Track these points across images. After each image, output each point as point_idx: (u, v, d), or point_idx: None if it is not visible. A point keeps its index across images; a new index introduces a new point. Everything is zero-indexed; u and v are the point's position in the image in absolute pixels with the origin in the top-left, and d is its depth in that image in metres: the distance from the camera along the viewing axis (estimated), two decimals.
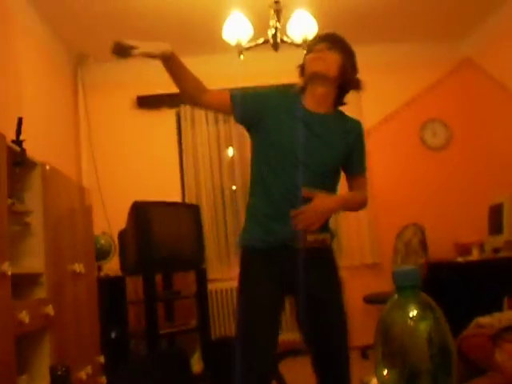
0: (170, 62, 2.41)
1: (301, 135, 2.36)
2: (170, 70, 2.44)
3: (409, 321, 0.67)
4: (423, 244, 5.17)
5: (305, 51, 3.96)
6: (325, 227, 2.37)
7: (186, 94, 2.50)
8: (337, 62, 2.42)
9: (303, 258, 2.27)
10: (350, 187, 2.58)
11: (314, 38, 2.59)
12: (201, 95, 2.47)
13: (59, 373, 0.77)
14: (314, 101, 2.45)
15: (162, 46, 2.39)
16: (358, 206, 2.59)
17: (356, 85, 2.53)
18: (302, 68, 2.50)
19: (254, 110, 2.44)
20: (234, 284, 5.71)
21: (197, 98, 2.49)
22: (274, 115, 2.41)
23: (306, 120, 2.40)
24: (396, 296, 0.71)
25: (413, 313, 0.68)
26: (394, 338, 0.68)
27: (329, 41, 2.43)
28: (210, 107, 2.66)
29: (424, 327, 0.67)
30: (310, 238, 2.28)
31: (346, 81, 2.48)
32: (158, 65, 6.09)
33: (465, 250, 5.30)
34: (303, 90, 2.50)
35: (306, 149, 2.35)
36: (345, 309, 2.46)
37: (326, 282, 2.39)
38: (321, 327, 2.34)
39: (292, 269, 2.29)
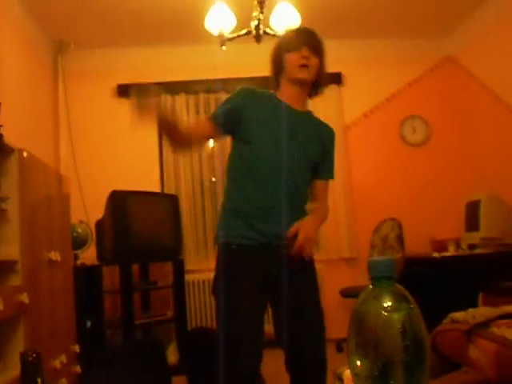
0: (176, 134, 2.36)
1: (283, 130, 2.36)
2: (172, 138, 2.41)
3: (383, 311, 0.67)
4: (400, 239, 5.21)
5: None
6: None
7: (180, 150, 2.56)
8: (317, 66, 2.45)
9: (287, 258, 2.26)
10: (313, 190, 2.54)
11: (294, 32, 2.53)
12: (190, 141, 2.45)
13: (30, 359, 0.76)
14: (290, 99, 2.47)
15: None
16: (324, 220, 2.59)
17: (326, 81, 2.56)
18: (278, 63, 2.48)
19: (234, 111, 2.41)
20: (212, 275, 5.71)
21: (189, 146, 2.51)
22: (255, 112, 2.40)
23: (286, 115, 2.41)
24: (371, 286, 0.72)
25: (387, 303, 0.68)
26: (368, 328, 0.68)
27: (312, 46, 2.43)
28: (201, 142, 2.62)
29: (398, 318, 0.67)
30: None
31: (320, 80, 2.50)
32: (139, 53, 6.05)
33: (441, 246, 5.35)
34: (277, 86, 2.51)
35: (290, 144, 2.36)
36: (322, 310, 2.46)
37: (307, 283, 2.38)
38: (299, 327, 2.33)
39: (276, 268, 2.28)
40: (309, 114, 2.56)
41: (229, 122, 2.39)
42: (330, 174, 2.59)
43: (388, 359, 0.66)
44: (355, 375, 0.69)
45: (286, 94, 2.47)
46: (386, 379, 0.66)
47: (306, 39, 2.44)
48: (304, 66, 2.38)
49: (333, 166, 2.61)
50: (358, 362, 0.68)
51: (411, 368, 0.67)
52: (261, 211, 2.30)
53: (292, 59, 2.41)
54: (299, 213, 2.38)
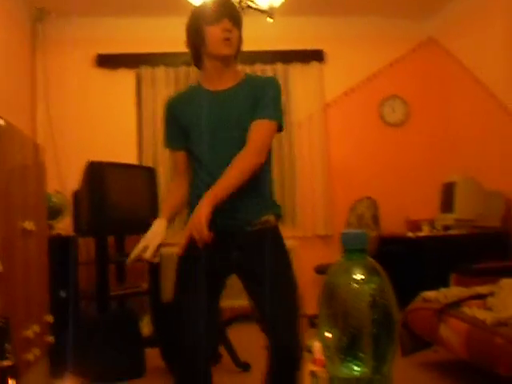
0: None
1: (211, 118, 2.25)
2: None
3: (353, 283, 0.68)
4: (375, 218, 5.25)
5: (269, 19, 3.91)
6: (267, 207, 2.29)
7: None
8: (238, 39, 2.31)
9: (249, 239, 2.24)
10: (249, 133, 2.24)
11: (212, 3, 2.28)
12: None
13: None
14: (215, 78, 2.31)
15: (161, 234, 2.26)
16: (241, 175, 2.14)
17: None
18: (197, 37, 2.28)
19: (174, 130, 2.37)
20: None
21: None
22: (185, 118, 2.31)
23: (212, 103, 2.29)
24: (342, 258, 0.72)
25: (358, 276, 0.69)
26: (338, 300, 0.69)
27: (233, 17, 2.26)
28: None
29: (368, 291, 0.68)
30: (253, 226, 2.24)
31: (238, 54, 2.36)
32: (119, 24, 5.98)
33: (416, 226, 5.40)
34: (198, 61, 2.35)
35: (225, 130, 2.23)
36: (295, 284, 2.41)
37: (273, 259, 2.25)
38: (271, 301, 2.28)
39: (237, 250, 2.24)
40: (240, 85, 2.33)
41: (181, 139, 2.33)
42: (264, 112, 2.22)
43: (357, 331, 0.67)
44: (324, 346, 0.69)
45: (210, 73, 2.32)
46: (355, 351, 0.67)
47: (226, 10, 2.26)
48: (227, 39, 2.22)
49: (271, 106, 2.25)
50: (328, 334, 0.69)
51: (379, 340, 0.68)
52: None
53: (214, 33, 2.22)
54: (254, 194, 2.23)
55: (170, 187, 2.35)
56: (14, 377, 0.77)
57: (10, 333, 0.77)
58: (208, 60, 2.29)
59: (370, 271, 0.70)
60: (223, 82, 2.30)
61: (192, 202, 2.27)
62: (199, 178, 2.28)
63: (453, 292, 3.63)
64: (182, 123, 2.31)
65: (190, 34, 2.31)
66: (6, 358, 0.77)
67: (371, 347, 0.68)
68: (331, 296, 0.70)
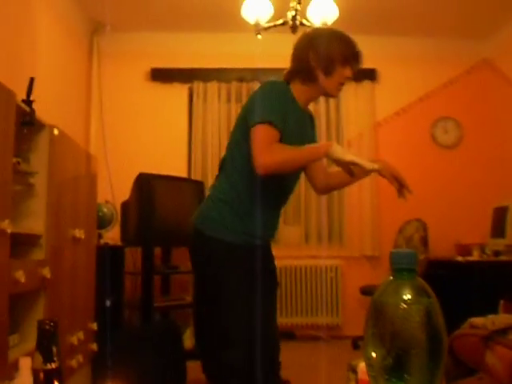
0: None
1: (295, 132, 2.29)
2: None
3: (402, 303, 0.67)
4: (424, 240, 5.16)
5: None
6: None
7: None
8: None
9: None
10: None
11: (347, 42, 2.36)
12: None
13: (47, 327, 0.77)
14: (306, 101, 2.41)
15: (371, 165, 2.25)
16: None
17: None
18: (323, 62, 2.29)
19: (282, 116, 2.22)
20: None
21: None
22: (290, 118, 2.26)
23: (299, 119, 2.36)
24: (391, 278, 0.71)
25: (407, 296, 0.67)
26: (386, 319, 0.67)
27: (357, 68, 2.40)
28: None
29: (417, 311, 0.67)
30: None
31: None
32: (173, 39, 6.07)
33: (465, 250, 5.29)
34: (303, 79, 2.36)
35: (295, 144, 2.24)
36: None
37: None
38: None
39: (266, 261, 2.41)
40: (306, 112, 2.50)
41: (282, 125, 2.19)
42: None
43: (404, 352, 0.65)
44: (369, 366, 0.68)
45: (306, 94, 2.37)
46: (400, 372, 0.66)
47: (358, 60, 2.36)
48: (342, 84, 2.33)
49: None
50: (373, 354, 0.67)
51: (426, 362, 0.66)
52: (268, 215, 2.44)
53: (338, 75, 2.31)
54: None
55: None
56: (59, 380, 0.78)
57: (57, 336, 0.78)
58: (313, 86, 2.34)
59: (419, 292, 0.69)
60: (305, 106, 2.42)
61: (241, 208, 2.30)
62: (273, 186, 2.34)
63: (501, 319, 3.53)
64: (285, 117, 2.22)
65: (320, 55, 2.30)
66: (53, 361, 0.78)
67: (417, 369, 0.66)
68: (378, 315, 0.69)
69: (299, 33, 4.01)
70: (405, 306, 0.67)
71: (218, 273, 2.24)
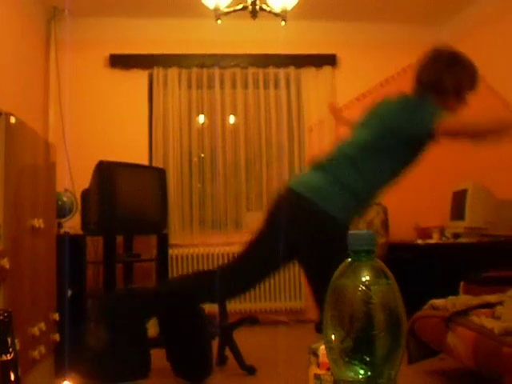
0: None
1: None
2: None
3: (360, 285, 0.67)
4: (385, 224, 5.22)
5: (282, 22, 3.93)
6: None
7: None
8: None
9: None
10: None
11: (475, 72, 2.95)
12: None
13: (0, 317, 0.75)
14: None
15: None
16: None
17: None
18: (461, 92, 2.81)
19: None
20: (195, 250, 5.72)
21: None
22: None
23: None
24: (349, 259, 0.71)
25: (365, 277, 0.68)
26: (345, 302, 0.67)
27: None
28: None
29: (376, 293, 0.67)
30: None
31: None
32: (133, 24, 6.00)
33: (425, 233, 5.37)
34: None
35: None
36: None
37: None
38: None
39: None
40: None
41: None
42: None
43: (363, 333, 0.66)
44: (329, 348, 0.68)
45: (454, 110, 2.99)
46: (361, 354, 0.66)
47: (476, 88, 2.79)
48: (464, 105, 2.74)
49: None
50: (333, 336, 0.68)
51: (386, 344, 0.66)
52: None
53: (464, 99, 2.81)
54: None
55: None
56: (15, 371, 0.77)
57: (12, 326, 0.77)
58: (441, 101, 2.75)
59: (377, 273, 0.69)
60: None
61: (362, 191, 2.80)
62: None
63: (461, 300, 3.60)
64: None
65: (455, 83, 2.83)
66: (8, 352, 0.76)
67: (377, 350, 0.66)
68: (337, 298, 0.69)
69: (259, 18, 4.01)
70: (363, 287, 0.67)
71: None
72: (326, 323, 0.69)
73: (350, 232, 0.71)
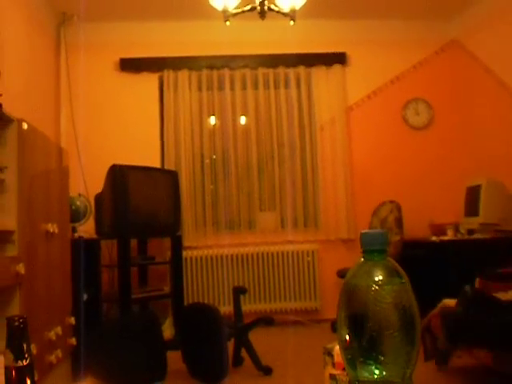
0: None
1: None
2: None
3: (374, 285, 0.66)
4: (399, 222, 5.20)
5: (291, 22, 3.93)
6: None
7: None
8: None
9: None
10: None
11: None
12: None
13: (16, 324, 0.76)
14: None
15: None
16: None
17: None
18: None
19: None
20: (209, 252, 5.73)
21: None
22: None
23: None
24: (362, 259, 0.71)
25: (378, 277, 0.67)
26: (358, 301, 0.67)
27: None
28: None
29: (389, 292, 0.66)
30: None
31: None
32: (142, 28, 6.04)
33: (440, 230, 5.35)
34: None
35: None
36: None
37: None
38: None
39: None
40: None
41: None
42: None
43: (377, 333, 0.65)
44: (344, 348, 0.68)
45: None
46: (375, 354, 0.66)
47: None
48: None
49: None
50: (347, 336, 0.67)
51: (401, 343, 0.66)
52: None
53: None
54: None
55: None
56: (31, 377, 0.77)
57: (27, 332, 0.77)
58: None
59: (390, 272, 0.68)
60: None
61: None
62: None
63: None
64: None
65: None
66: (24, 358, 0.77)
67: (392, 350, 0.66)
68: (351, 298, 0.69)
69: (268, 19, 4.01)
70: (376, 287, 0.66)
71: None
72: (339, 323, 0.68)
73: (362, 232, 0.70)
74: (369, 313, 0.66)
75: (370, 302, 0.66)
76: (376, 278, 0.67)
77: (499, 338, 2.87)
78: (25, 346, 0.77)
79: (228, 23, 3.89)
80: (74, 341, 3.74)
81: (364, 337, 0.66)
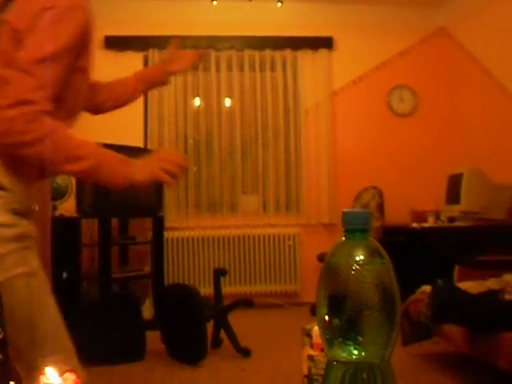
0: None
1: None
2: None
3: (354, 264, 0.66)
4: (380, 207, 5.22)
5: (279, 4, 3.91)
6: None
7: None
8: None
9: None
10: None
11: None
12: None
13: None
14: None
15: None
16: None
17: None
18: None
19: None
20: (191, 233, 5.71)
21: None
22: None
23: None
24: (343, 238, 0.70)
25: (360, 257, 0.66)
26: (338, 281, 0.66)
27: None
28: None
29: (370, 272, 0.66)
30: None
31: None
32: (127, 5, 5.97)
33: (421, 217, 5.37)
34: None
35: None
36: None
37: None
38: None
39: None
40: None
41: None
42: None
43: (357, 314, 0.65)
44: (323, 329, 0.67)
45: None
46: (354, 334, 0.65)
47: None
48: None
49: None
50: (326, 316, 0.67)
51: (380, 324, 0.66)
52: None
53: None
54: None
55: None
56: (3, 351, 0.76)
57: (1, 306, 0.76)
58: None
59: (372, 252, 0.68)
60: None
61: None
62: None
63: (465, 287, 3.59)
64: None
65: None
66: None
67: (371, 331, 0.66)
68: (331, 277, 0.68)
69: (257, 1, 3.98)
70: (357, 266, 0.66)
71: None
72: (319, 303, 0.68)
73: (344, 211, 0.70)
74: (349, 292, 0.65)
75: (351, 282, 0.65)
76: (357, 258, 0.66)
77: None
78: None
79: (215, 3, 3.86)
80: None
81: (343, 316, 0.65)
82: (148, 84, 2.03)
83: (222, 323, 4.04)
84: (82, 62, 1.61)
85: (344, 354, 0.66)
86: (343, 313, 0.65)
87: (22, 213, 1.53)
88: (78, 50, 1.54)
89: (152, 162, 1.64)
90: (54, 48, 1.43)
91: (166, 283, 5.13)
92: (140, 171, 1.61)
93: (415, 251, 4.86)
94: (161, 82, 2.04)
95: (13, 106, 1.35)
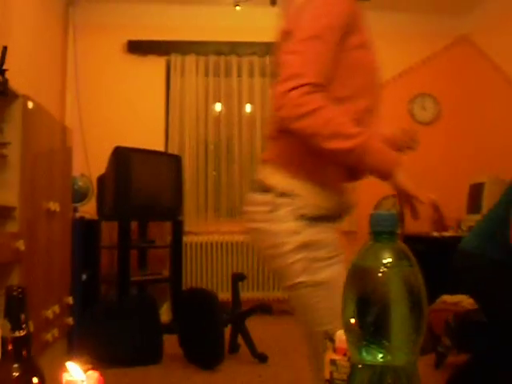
0: None
1: None
2: None
3: (382, 267, 0.65)
4: (401, 216, 5.16)
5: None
6: None
7: None
8: None
9: None
10: None
11: None
12: None
13: (14, 293, 0.75)
14: None
15: None
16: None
17: None
18: None
19: None
20: (210, 238, 5.71)
21: None
22: None
23: None
24: (371, 241, 0.69)
25: (387, 259, 0.66)
26: (365, 284, 0.66)
27: None
28: None
29: (397, 275, 0.65)
30: None
31: None
32: (151, 10, 6.02)
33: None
34: None
35: None
36: None
37: None
38: None
39: None
40: None
41: None
42: None
43: (383, 317, 0.64)
44: (348, 332, 0.67)
45: None
46: (380, 338, 0.64)
47: None
48: None
49: None
50: (352, 320, 0.66)
51: (407, 328, 0.65)
52: None
53: None
54: None
55: None
56: (27, 348, 0.76)
57: (25, 303, 0.76)
58: None
59: (399, 255, 0.67)
60: None
61: None
62: None
63: (470, 301, 3.56)
64: None
65: None
66: (21, 329, 0.76)
67: (397, 334, 0.65)
68: (358, 280, 0.67)
69: (279, 5, 3.97)
70: (385, 269, 0.65)
71: None
72: (345, 306, 0.67)
73: (372, 213, 0.69)
74: (375, 296, 0.64)
75: (378, 284, 0.65)
76: (384, 261, 0.65)
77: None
78: (22, 317, 0.75)
79: (238, 8, 3.87)
80: (71, 320, 3.75)
81: (370, 319, 0.64)
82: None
83: (240, 328, 4.04)
84: (355, 40, 1.74)
85: (369, 358, 0.65)
86: (370, 315, 0.64)
87: (315, 217, 1.63)
88: (345, 29, 1.68)
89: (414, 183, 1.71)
90: (315, 27, 1.58)
91: (184, 287, 5.13)
92: (405, 177, 1.70)
93: (435, 260, 4.82)
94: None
95: (286, 80, 1.51)
